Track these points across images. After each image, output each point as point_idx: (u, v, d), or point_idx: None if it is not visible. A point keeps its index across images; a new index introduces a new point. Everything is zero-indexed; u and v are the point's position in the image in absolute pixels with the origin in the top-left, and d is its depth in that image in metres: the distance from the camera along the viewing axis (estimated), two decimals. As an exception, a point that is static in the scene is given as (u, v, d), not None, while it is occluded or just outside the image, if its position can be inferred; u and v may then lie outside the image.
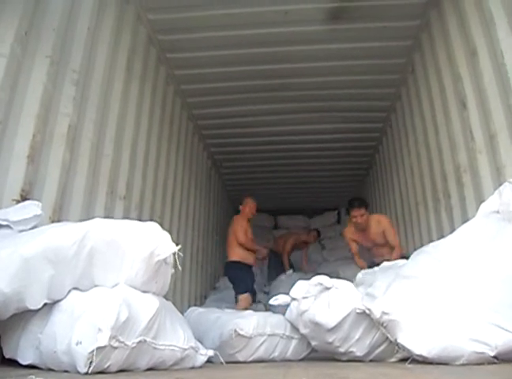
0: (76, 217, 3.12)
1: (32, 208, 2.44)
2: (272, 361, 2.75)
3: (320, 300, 2.52)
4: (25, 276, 1.87)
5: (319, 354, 2.80)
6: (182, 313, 2.69)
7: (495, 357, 2.05)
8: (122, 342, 1.79)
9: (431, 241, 3.70)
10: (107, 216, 3.34)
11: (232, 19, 4.44)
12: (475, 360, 2.07)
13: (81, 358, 1.73)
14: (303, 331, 2.66)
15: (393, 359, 2.46)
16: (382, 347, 2.49)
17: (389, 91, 5.74)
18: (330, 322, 2.45)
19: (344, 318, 2.44)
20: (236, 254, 5.13)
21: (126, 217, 3.78)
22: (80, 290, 1.97)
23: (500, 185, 2.83)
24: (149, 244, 2.01)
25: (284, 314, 2.85)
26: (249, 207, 5.42)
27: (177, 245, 2.06)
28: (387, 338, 2.38)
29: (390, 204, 6.52)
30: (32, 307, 1.91)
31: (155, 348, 1.94)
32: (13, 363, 1.98)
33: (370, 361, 2.51)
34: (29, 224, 2.36)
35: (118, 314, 1.78)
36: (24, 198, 2.63)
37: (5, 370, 1.87)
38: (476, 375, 1.91)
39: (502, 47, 3.08)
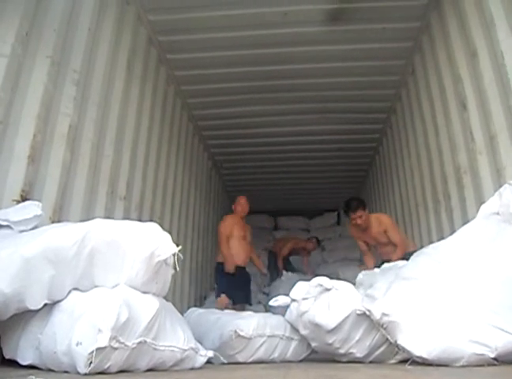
0: (76, 217, 3.12)
1: (32, 209, 2.44)
2: (272, 362, 2.74)
3: (320, 301, 2.52)
4: (26, 277, 1.87)
5: (319, 355, 2.80)
6: (181, 313, 2.68)
7: (494, 359, 2.04)
8: (122, 343, 1.79)
9: (431, 242, 3.70)
10: (107, 217, 3.34)
11: (232, 20, 4.44)
12: (475, 362, 2.06)
13: (81, 359, 1.73)
14: (303, 332, 2.66)
15: (392, 361, 2.45)
16: (381, 349, 2.49)
17: (390, 93, 5.74)
18: (330, 323, 2.45)
19: (344, 319, 2.44)
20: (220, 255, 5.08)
21: (126, 218, 3.78)
22: (81, 290, 1.97)
23: (500, 186, 2.83)
24: (150, 245, 2.01)
25: (283, 315, 2.85)
26: (240, 205, 5.28)
27: (177, 246, 2.06)
28: (387, 339, 2.38)
29: (390, 205, 6.52)
30: (32, 307, 1.91)
31: (155, 349, 1.94)
32: (13, 363, 1.98)
33: (370, 362, 2.50)
34: (30, 224, 2.36)
35: (118, 315, 1.78)
36: (24, 198, 2.63)
37: (5, 371, 1.87)
38: (476, 377, 1.91)
39: (503, 48, 3.09)
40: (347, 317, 2.44)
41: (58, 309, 1.94)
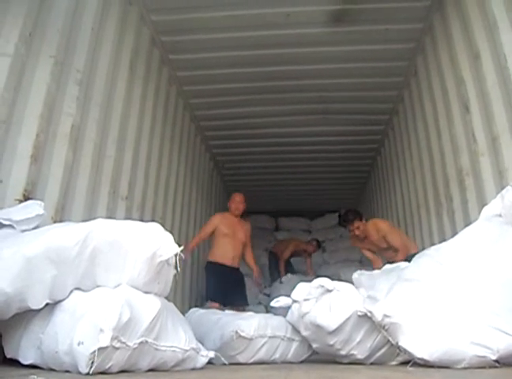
0: (78, 217, 3.12)
1: (34, 208, 2.44)
2: (273, 363, 2.75)
3: (321, 302, 2.52)
4: (27, 276, 1.87)
5: (320, 356, 2.80)
6: (183, 313, 2.68)
7: (496, 361, 2.04)
8: (124, 342, 1.79)
9: (433, 244, 3.70)
10: (109, 217, 3.34)
11: (234, 21, 4.45)
12: (476, 364, 2.06)
13: (83, 359, 1.73)
14: (304, 333, 2.66)
15: (394, 362, 2.45)
16: (383, 350, 2.49)
17: (392, 94, 5.74)
18: (331, 324, 2.45)
19: (346, 321, 2.44)
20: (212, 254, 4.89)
21: (127, 218, 3.78)
22: (83, 290, 1.98)
23: (503, 188, 2.83)
24: (152, 245, 2.01)
25: (285, 316, 2.85)
26: (234, 203, 5.00)
27: (179, 246, 2.06)
28: (388, 341, 2.38)
29: (392, 206, 6.51)
30: (34, 307, 1.91)
31: (156, 349, 1.94)
32: (15, 363, 1.98)
33: (371, 364, 2.50)
34: (32, 224, 2.36)
35: (120, 315, 1.78)
36: (26, 198, 2.64)
37: (7, 370, 1.87)
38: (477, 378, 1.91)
39: (506, 51, 3.08)
40: (348, 318, 2.44)
41: (59, 309, 1.94)
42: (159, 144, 4.85)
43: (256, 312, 3.40)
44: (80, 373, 1.74)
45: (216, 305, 4.44)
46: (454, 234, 3.16)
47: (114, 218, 3.38)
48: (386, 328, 2.32)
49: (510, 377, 1.92)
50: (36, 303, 1.91)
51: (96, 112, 3.50)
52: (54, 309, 1.95)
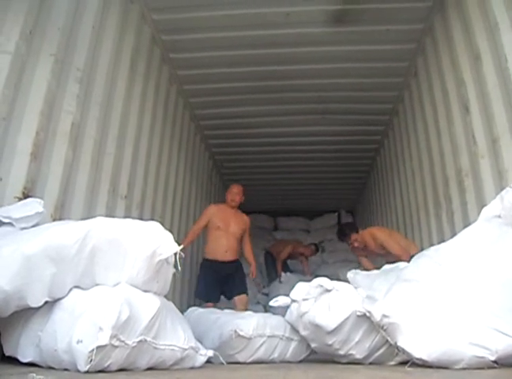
0: (77, 215, 3.12)
1: (34, 206, 2.44)
2: (272, 362, 2.75)
3: (320, 302, 2.52)
4: (27, 274, 1.87)
5: (318, 356, 2.80)
6: (182, 312, 2.69)
7: (495, 361, 2.04)
8: (123, 341, 1.80)
9: (432, 245, 3.70)
10: (108, 215, 3.33)
11: (235, 20, 4.45)
12: (475, 364, 2.06)
13: (82, 357, 1.73)
14: (303, 333, 2.66)
15: (392, 362, 2.46)
16: (381, 350, 2.49)
17: (392, 95, 5.74)
18: (330, 324, 2.45)
19: (345, 321, 2.44)
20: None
21: (127, 216, 3.78)
22: (82, 288, 1.98)
23: (502, 189, 2.83)
24: (151, 243, 2.01)
25: (283, 316, 2.85)
26: (230, 194, 4.81)
27: (179, 245, 2.06)
28: (387, 341, 2.38)
29: (391, 207, 6.51)
30: (33, 305, 1.91)
31: (155, 348, 1.94)
32: (13, 361, 1.98)
33: (370, 363, 2.50)
34: (31, 222, 2.36)
35: (119, 313, 1.78)
36: (26, 195, 2.64)
37: (6, 368, 1.87)
38: (476, 379, 1.91)
39: (506, 52, 3.08)
40: (347, 318, 2.44)
41: (58, 307, 1.94)
42: (158, 143, 4.85)
43: (255, 311, 3.40)
44: (78, 371, 1.74)
45: (210, 304, 4.34)
46: (453, 234, 3.17)
47: (114, 216, 3.35)
48: (385, 328, 2.32)
49: (509, 378, 1.92)
50: (35, 301, 1.91)
51: (96, 110, 3.50)
52: (53, 308, 1.95)
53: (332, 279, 2.67)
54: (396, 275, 2.72)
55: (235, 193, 4.81)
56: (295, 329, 2.75)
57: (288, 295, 2.68)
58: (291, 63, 5.16)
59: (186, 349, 2.08)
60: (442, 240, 3.83)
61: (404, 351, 2.24)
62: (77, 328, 1.80)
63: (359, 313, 2.41)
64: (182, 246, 2.04)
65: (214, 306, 4.28)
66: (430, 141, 4.65)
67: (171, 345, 2.01)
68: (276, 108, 6.10)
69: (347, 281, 2.87)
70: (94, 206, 3.45)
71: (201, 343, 2.31)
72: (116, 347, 1.78)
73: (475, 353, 2.07)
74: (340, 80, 5.48)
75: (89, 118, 3.41)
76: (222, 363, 2.40)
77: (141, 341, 1.87)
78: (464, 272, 2.42)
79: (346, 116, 6.28)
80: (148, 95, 4.56)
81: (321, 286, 2.54)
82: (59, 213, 2.95)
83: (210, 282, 4.51)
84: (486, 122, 3.40)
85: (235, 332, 2.64)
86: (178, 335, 2.07)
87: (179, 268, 2.08)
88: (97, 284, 1.99)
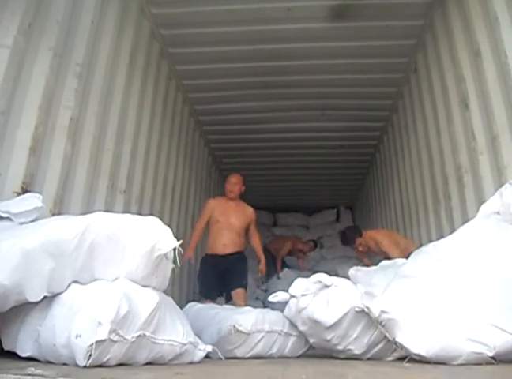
0: (76, 210, 3.12)
1: (32, 201, 2.43)
2: (270, 357, 2.75)
3: (319, 298, 2.53)
4: (25, 269, 1.87)
5: (317, 351, 2.80)
6: (181, 308, 2.69)
7: (492, 357, 2.05)
8: (122, 336, 1.79)
9: (431, 241, 3.70)
10: (107, 210, 3.33)
11: (235, 15, 4.43)
12: (473, 360, 2.07)
13: (80, 352, 1.73)
14: (302, 328, 2.67)
15: (390, 358, 2.46)
16: (379, 346, 2.50)
17: (392, 91, 5.73)
18: (329, 320, 2.45)
19: (343, 316, 2.45)
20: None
21: (126, 211, 3.78)
22: (81, 283, 1.97)
23: (501, 186, 2.84)
24: (150, 238, 2.00)
25: (282, 311, 2.85)
26: (228, 184, 4.59)
27: (178, 240, 2.06)
28: (385, 336, 2.38)
29: (390, 203, 6.52)
30: (32, 300, 1.91)
31: (154, 343, 1.94)
32: (12, 355, 1.98)
33: (368, 359, 2.51)
34: (30, 217, 2.35)
35: (118, 308, 1.78)
36: (25, 190, 2.63)
37: (4, 362, 1.87)
38: (474, 375, 1.91)
39: (506, 48, 3.08)
40: (346, 313, 2.44)
41: (57, 302, 1.94)
42: (157, 138, 4.84)
43: (254, 307, 3.40)
44: (77, 365, 1.74)
45: (209, 301, 4.20)
46: (452, 231, 3.17)
47: (113, 211, 3.37)
48: (383, 323, 2.32)
49: (507, 374, 1.92)
50: (34, 296, 1.90)
51: (95, 105, 3.49)
52: (52, 302, 1.94)
53: (330, 274, 2.67)
54: (394, 272, 2.73)
55: (234, 183, 4.58)
56: (293, 325, 2.75)
57: (286, 291, 2.68)
58: (291, 59, 5.15)
59: (184, 344, 2.08)
60: (440, 236, 3.84)
61: (402, 347, 2.24)
62: (76, 323, 1.80)
63: (357, 309, 2.42)
64: (181, 241, 2.03)
65: (214, 302, 4.22)
66: (429, 138, 4.65)
67: (169, 340, 2.01)
68: (276, 104, 6.09)
69: (345, 277, 2.87)
70: (93, 201, 3.45)
71: (200, 338, 2.31)
72: (115, 341, 1.77)
73: (473, 349, 2.08)
74: (339, 76, 5.47)
75: (88, 113, 3.40)
76: (221, 358, 2.40)
77: (139, 336, 1.87)
78: (463, 268, 2.42)
79: (346, 112, 6.27)
80: (148, 90, 4.55)
81: (320, 281, 2.55)
82: (58, 208, 2.95)
83: (209, 278, 4.38)
84: (485, 119, 3.40)
85: (234, 327, 2.64)
86: (177, 330, 2.07)
87: (178, 263, 2.07)
88: (96, 279, 1.99)
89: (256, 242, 4.72)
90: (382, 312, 2.31)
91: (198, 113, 6.36)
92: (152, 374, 1.66)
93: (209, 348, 2.25)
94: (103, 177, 3.62)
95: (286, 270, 7.15)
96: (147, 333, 1.90)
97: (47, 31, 2.94)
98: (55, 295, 1.95)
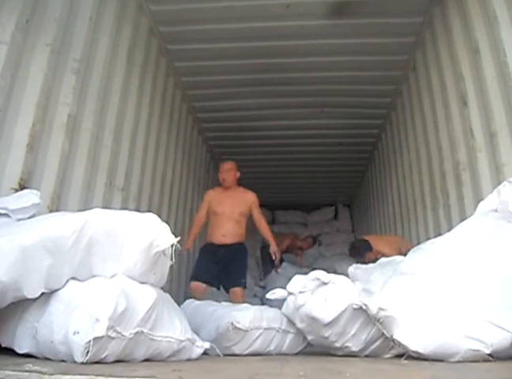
0: (74, 207, 3.12)
1: (30, 197, 2.43)
2: (268, 354, 2.75)
3: (317, 295, 2.53)
4: (23, 265, 1.86)
5: (315, 348, 2.80)
6: (179, 305, 2.69)
7: (490, 355, 2.05)
8: (120, 332, 1.79)
9: (429, 239, 3.70)
10: (105, 207, 3.31)
11: (234, 12, 4.42)
12: (470, 357, 2.07)
13: (78, 348, 1.73)
14: (300, 325, 2.67)
15: (388, 355, 2.47)
16: (377, 343, 2.50)
17: (390, 88, 5.73)
18: (327, 317, 2.45)
19: (341, 313, 2.44)
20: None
21: (123, 208, 3.76)
22: (79, 280, 1.97)
23: (499, 183, 2.84)
24: (148, 235, 2.00)
25: (280, 308, 2.86)
26: (220, 173, 4.48)
27: (176, 237, 2.06)
28: (383, 334, 2.39)
29: (388, 201, 6.53)
30: (30, 296, 1.90)
31: (152, 339, 1.94)
32: (10, 352, 1.98)
33: (366, 356, 2.51)
34: (27, 213, 2.35)
35: (116, 305, 1.78)
36: (22, 187, 2.63)
37: (2, 359, 1.86)
38: (472, 372, 1.92)
39: (505, 46, 3.08)
40: (343, 310, 2.44)
41: (55, 299, 1.94)
42: (156, 135, 4.84)
43: (252, 304, 3.40)
44: (75, 362, 1.74)
45: (198, 284, 4.09)
46: (450, 228, 3.18)
47: (111, 208, 3.35)
48: (381, 321, 2.32)
49: (504, 371, 1.93)
50: (32, 292, 1.90)
51: (93, 102, 3.49)
52: (50, 299, 1.94)
53: (329, 272, 2.66)
54: (392, 269, 2.73)
55: (225, 170, 4.45)
56: (291, 322, 2.75)
57: (284, 288, 2.68)
58: (290, 56, 5.15)
59: (182, 341, 2.08)
60: (438, 234, 3.84)
61: (400, 344, 2.25)
62: (74, 320, 1.80)
63: (355, 306, 2.42)
64: (178, 238, 2.03)
65: (202, 283, 4.11)
66: (428, 135, 4.65)
67: (167, 337, 2.01)
68: (274, 101, 6.09)
69: (344, 274, 2.87)
70: (91, 198, 3.44)
71: (197, 335, 2.31)
72: (113, 338, 1.77)
73: (470, 346, 2.08)
74: (338, 73, 5.46)
75: (86, 110, 3.40)
76: (218, 355, 2.40)
77: (137, 333, 1.87)
78: (461, 265, 2.43)
79: (344, 109, 6.27)
80: (146, 86, 4.54)
81: (318, 279, 2.54)
82: (56, 205, 2.95)
83: (205, 262, 4.23)
84: (484, 116, 3.41)
85: (232, 324, 2.64)
86: (175, 327, 2.07)
87: (173, 259, 2.07)
88: (94, 276, 1.98)
89: (262, 226, 4.52)
90: (380, 309, 2.31)
91: (197, 110, 6.35)
92: (150, 371, 1.66)
93: (207, 345, 2.26)
94: (101, 174, 3.61)
95: (285, 264, 7.17)
96: (145, 330, 1.90)
97: (45, 27, 2.94)
98: (53, 292, 1.95)
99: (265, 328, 2.74)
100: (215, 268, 4.20)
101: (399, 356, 2.29)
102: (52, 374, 1.46)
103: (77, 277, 1.98)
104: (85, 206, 3.20)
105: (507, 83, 3.06)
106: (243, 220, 4.41)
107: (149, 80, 4.63)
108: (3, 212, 2.32)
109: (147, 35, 4.55)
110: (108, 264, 1.98)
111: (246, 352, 2.68)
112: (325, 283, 2.52)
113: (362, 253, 4.55)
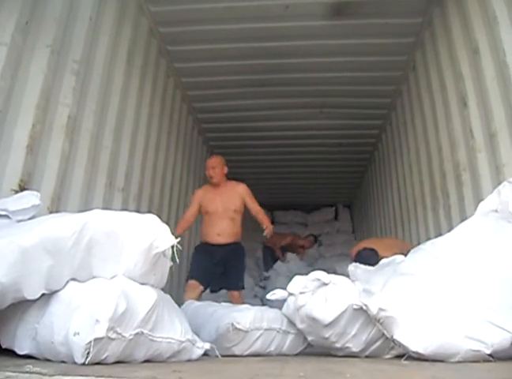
0: (74, 208, 3.12)
1: (30, 198, 2.43)
2: (269, 355, 2.75)
3: (317, 295, 2.52)
4: (23, 266, 1.86)
5: (315, 349, 2.80)
6: (179, 305, 2.69)
7: (490, 355, 2.05)
8: (120, 333, 1.79)
9: (429, 239, 3.70)
10: (105, 208, 3.32)
11: (233, 12, 4.42)
12: (471, 358, 2.07)
13: (79, 349, 1.73)
14: (300, 326, 2.67)
15: (388, 356, 2.46)
16: (377, 343, 2.49)
17: (390, 88, 5.73)
18: (327, 317, 2.45)
19: (341, 314, 2.44)
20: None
21: (124, 209, 3.78)
22: (79, 281, 1.97)
23: (499, 183, 2.84)
24: (148, 236, 2.00)
25: (280, 309, 2.86)
26: (206, 170, 4.30)
27: (176, 237, 2.06)
28: (383, 334, 2.38)
29: (388, 201, 6.52)
30: (30, 297, 1.90)
31: (152, 340, 1.94)
32: (10, 353, 1.98)
33: (366, 357, 2.51)
34: (28, 214, 2.35)
35: (116, 306, 1.78)
36: (22, 188, 2.63)
37: (2, 360, 1.86)
38: (472, 372, 1.92)
39: (505, 46, 3.08)
40: (344, 311, 2.44)
41: (55, 300, 1.94)
42: (156, 136, 4.84)
43: (252, 304, 3.40)
44: (75, 363, 1.73)
45: (195, 283, 4.00)
46: (450, 229, 3.18)
47: (111, 209, 3.36)
48: (381, 321, 2.32)
49: (504, 371, 1.93)
50: (32, 293, 1.90)
51: (93, 103, 3.49)
52: (50, 300, 1.94)
53: (329, 272, 2.66)
54: (393, 269, 2.73)
55: (210, 167, 4.26)
56: (291, 322, 2.75)
57: (284, 289, 2.68)
58: (289, 56, 5.15)
59: (182, 341, 2.07)
60: (439, 234, 3.84)
61: (400, 345, 2.25)
62: (74, 321, 1.80)
63: (355, 307, 2.42)
64: (179, 238, 2.03)
65: (198, 283, 4.03)
66: (427, 135, 4.65)
67: (168, 337, 2.01)
68: (274, 102, 6.09)
69: (344, 275, 2.87)
70: (91, 199, 3.45)
71: (198, 335, 2.31)
72: (113, 339, 1.77)
73: (471, 346, 2.08)
74: (338, 74, 5.46)
75: (86, 111, 3.40)
76: (218, 356, 2.40)
77: (137, 333, 1.86)
78: (461, 266, 2.43)
79: (344, 110, 6.27)
80: (146, 87, 4.54)
81: (318, 279, 2.54)
82: (56, 206, 2.95)
83: (199, 260, 4.13)
84: (484, 117, 3.41)
85: (232, 324, 2.64)
86: (175, 328, 2.07)
87: (177, 260, 2.07)
88: (94, 277, 1.98)
89: (256, 209, 4.31)
90: (380, 309, 2.31)
91: (197, 110, 6.35)
92: (150, 372, 1.66)
93: (207, 346, 2.25)
94: (101, 175, 3.62)
95: (289, 254, 7.24)
96: (145, 331, 1.90)
97: (45, 28, 2.94)
98: (53, 293, 1.95)
99: (266, 329, 2.73)
100: (212, 269, 4.12)
101: (399, 356, 2.29)
102: (52, 375, 1.46)
103: (77, 278, 1.98)
104: (85, 207, 3.20)
105: (507, 83, 3.06)
106: (238, 217, 4.28)
107: (149, 81, 4.64)
108: (3, 213, 2.32)
109: (147, 36, 4.55)
110: (108, 265, 1.98)
111: (247, 353, 2.68)
112: (325, 284, 2.52)
113: (369, 263, 4.46)
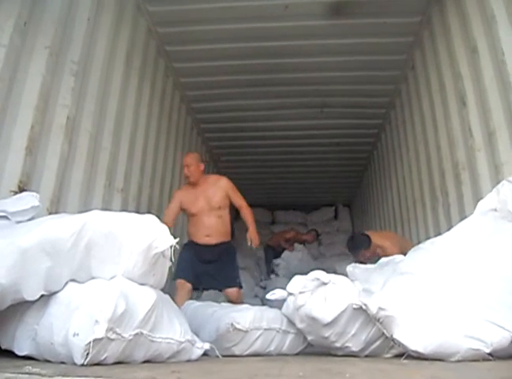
0: (73, 209, 3.12)
1: (29, 200, 2.43)
2: (268, 355, 2.75)
3: (317, 295, 2.52)
4: (22, 268, 1.87)
5: (315, 348, 2.80)
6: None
7: (490, 354, 2.05)
8: (119, 334, 1.79)
9: (428, 238, 3.70)
10: (104, 209, 3.31)
11: (232, 12, 4.42)
12: (470, 357, 2.07)
13: (78, 350, 1.73)
14: (300, 325, 2.67)
15: (388, 355, 2.46)
16: (377, 343, 2.49)
17: (389, 88, 5.73)
18: (327, 317, 2.45)
19: (341, 313, 2.44)
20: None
21: (123, 210, 3.77)
22: (78, 281, 1.97)
23: (498, 182, 2.83)
24: (147, 236, 2.00)
25: (280, 309, 2.86)
26: (183, 169, 4.09)
27: (175, 238, 2.06)
28: (383, 333, 2.38)
29: (388, 200, 6.53)
30: (29, 298, 1.91)
31: (151, 341, 1.94)
32: (10, 354, 1.98)
33: (366, 356, 2.51)
34: (27, 215, 2.35)
35: (115, 306, 1.78)
36: (21, 189, 2.63)
37: (2, 361, 1.87)
38: (472, 371, 1.92)
39: (503, 45, 3.08)
40: (343, 311, 2.44)
41: (54, 301, 1.94)
42: (155, 136, 4.84)
43: (252, 304, 3.40)
44: (75, 364, 1.74)
45: (181, 281, 3.80)
46: (450, 228, 3.17)
47: (110, 210, 3.35)
48: (381, 320, 2.32)
49: (504, 370, 1.93)
50: (31, 294, 1.90)
51: (92, 104, 3.49)
52: (50, 301, 1.94)
53: (329, 272, 2.66)
54: (392, 269, 2.73)
55: (185, 166, 4.04)
56: (291, 322, 2.75)
57: (284, 288, 2.68)
58: (288, 56, 5.15)
59: (182, 342, 2.08)
60: (438, 233, 3.84)
61: (400, 344, 2.25)
62: (73, 322, 1.80)
63: (355, 306, 2.42)
64: (177, 239, 2.03)
65: (187, 282, 3.86)
66: (426, 135, 4.65)
67: (167, 338, 2.01)
68: (273, 102, 6.09)
69: (344, 274, 2.87)
70: (90, 200, 3.45)
71: (197, 336, 2.31)
72: (112, 340, 1.77)
73: (470, 345, 2.08)
74: (337, 74, 5.46)
75: (85, 112, 3.40)
76: (218, 356, 2.40)
77: (137, 334, 1.87)
78: (460, 265, 2.43)
79: (343, 109, 6.27)
80: (144, 87, 4.54)
81: (318, 279, 2.54)
82: (55, 207, 2.95)
83: (186, 259, 3.87)
84: (482, 116, 3.41)
85: (232, 324, 2.64)
86: (175, 328, 2.07)
87: (173, 259, 2.07)
88: (93, 277, 1.98)
89: (240, 204, 4.15)
90: (380, 309, 2.31)
91: (196, 111, 6.35)
92: (150, 372, 1.66)
93: (207, 346, 2.25)
94: (101, 175, 3.62)
95: (297, 245, 7.29)
96: (144, 331, 1.90)
97: (43, 29, 2.94)
98: (52, 294, 1.95)
99: (265, 329, 2.73)
100: (201, 268, 3.93)
101: (399, 356, 2.29)
102: (52, 376, 1.46)
103: (76, 279, 1.98)
104: (85, 208, 3.20)
105: (505, 82, 3.06)
106: (225, 213, 4.09)
107: (148, 82, 4.64)
108: (2, 214, 2.32)
109: (145, 37, 4.55)
110: (107, 266, 1.98)
111: (246, 353, 2.68)
112: (324, 283, 2.52)
113: (359, 248, 4.40)
